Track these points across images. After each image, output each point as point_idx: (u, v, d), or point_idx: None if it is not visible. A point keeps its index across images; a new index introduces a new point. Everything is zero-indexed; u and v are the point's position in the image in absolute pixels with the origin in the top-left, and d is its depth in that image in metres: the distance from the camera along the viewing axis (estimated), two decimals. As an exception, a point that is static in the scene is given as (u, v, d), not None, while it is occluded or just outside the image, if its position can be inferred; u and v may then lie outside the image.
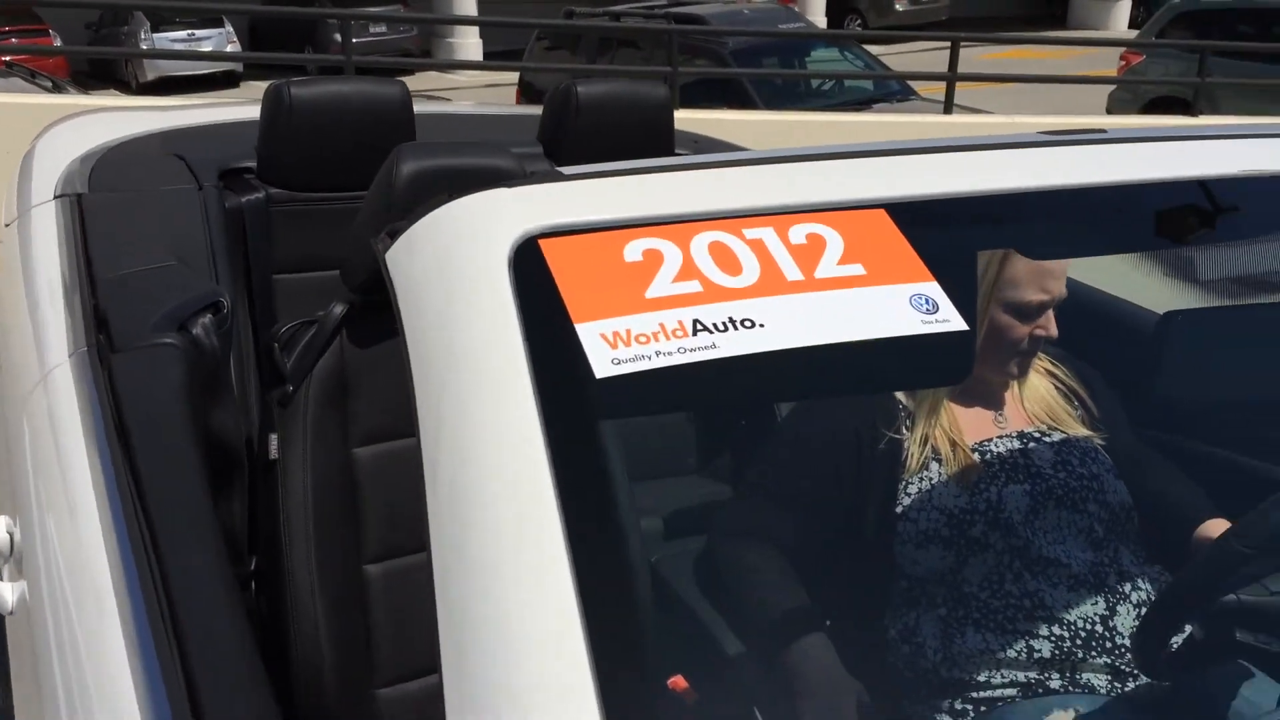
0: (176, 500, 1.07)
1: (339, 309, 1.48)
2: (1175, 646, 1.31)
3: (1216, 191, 0.94)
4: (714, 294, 0.72)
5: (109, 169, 1.98)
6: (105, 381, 1.31)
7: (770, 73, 7.93)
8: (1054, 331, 1.48)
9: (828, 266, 0.75)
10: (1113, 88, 10.35)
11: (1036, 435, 1.52)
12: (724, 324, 0.70)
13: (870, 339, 0.74)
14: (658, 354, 0.68)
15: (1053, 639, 1.40)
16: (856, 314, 0.73)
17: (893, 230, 0.79)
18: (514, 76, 9.90)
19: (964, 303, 0.76)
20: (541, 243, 0.74)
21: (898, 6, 19.15)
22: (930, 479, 1.47)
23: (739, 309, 0.71)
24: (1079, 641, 1.40)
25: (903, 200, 0.81)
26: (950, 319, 0.74)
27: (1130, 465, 1.54)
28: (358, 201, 2.05)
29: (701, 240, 0.75)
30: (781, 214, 0.78)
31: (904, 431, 1.50)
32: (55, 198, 1.87)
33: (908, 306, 0.74)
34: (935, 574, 1.45)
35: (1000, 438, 1.51)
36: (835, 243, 0.77)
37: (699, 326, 0.70)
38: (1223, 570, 1.23)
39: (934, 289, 0.76)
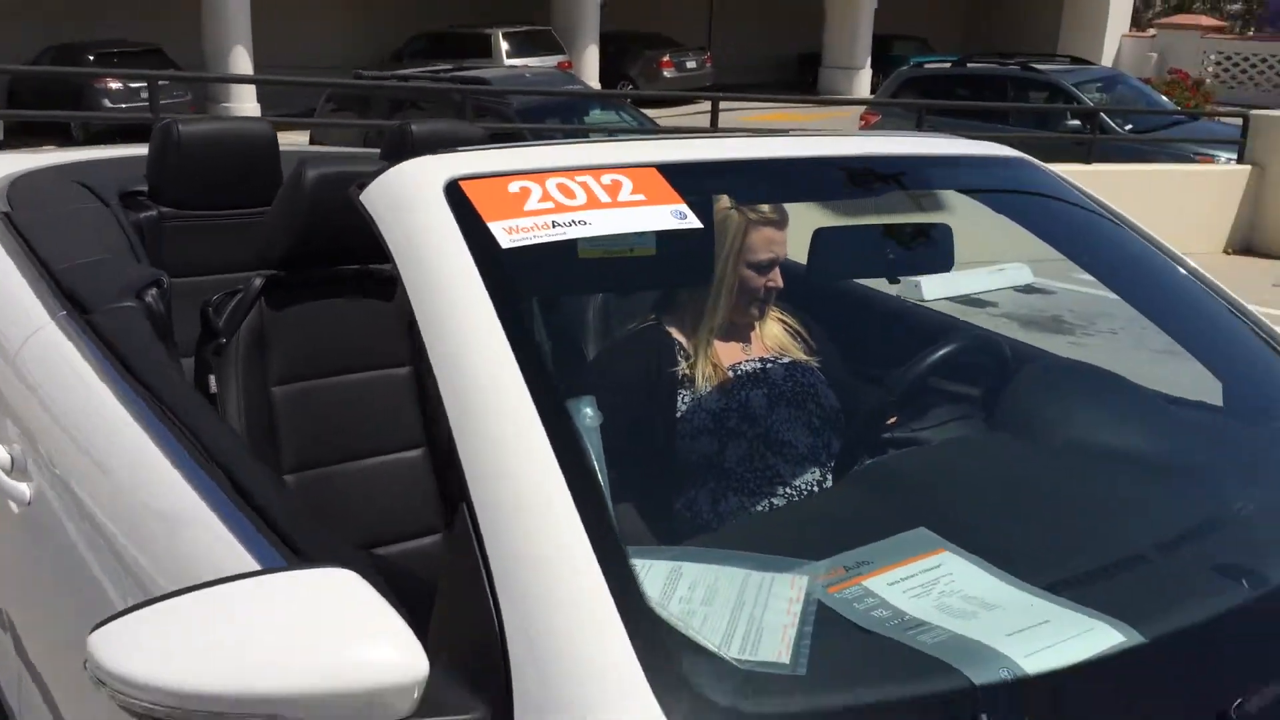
0: (195, 410, 1.53)
1: (259, 281, 1.96)
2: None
3: (851, 164, 1.60)
4: (561, 209, 1.29)
5: (23, 193, 2.36)
6: (92, 333, 1.74)
7: (553, 128, 8.62)
8: (780, 283, 2.11)
9: (624, 195, 1.33)
10: (855, 143, 11.61)
11: (772, 360, 2.14)
12: (568, 223, 1.27)
13: (652, 236, 1.33)
14: (534, 238, 1.25)
15: (785, 497, 2.01)
16: (640, 219, 1.32)
17: (659, 179, 1.38)
18: (302, 137, 10.24)
19: (700, 216, 1.36)
20: (461, 183, 1.29)
21: (665, 74, 20.49)
22: (700, 392, 2.07)
23: (575, 216, 1.28)
24: (802, 498, 2.02)
25: (665, 163, 1.42)
26: (693, 222, 1.34)
27: (839, 381, 2.19)
28: (235, 216, 2.51)
29: (552, 182, 1.32)
30: (597, 169, 1.36)
31: (682, 362, 2.09)
32: None
33: (669, 216, 1.34)
34: (706, 459, 2.04)
35: (747, 362, 2.12)
36: (628, 184, 1.35)
37: (554, 224, 1.27)
38: (880, 417, 1.88)
39: (683, 208, 1.35)
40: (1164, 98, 13.29)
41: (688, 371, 2.09)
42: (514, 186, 1.31)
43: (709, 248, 1.65)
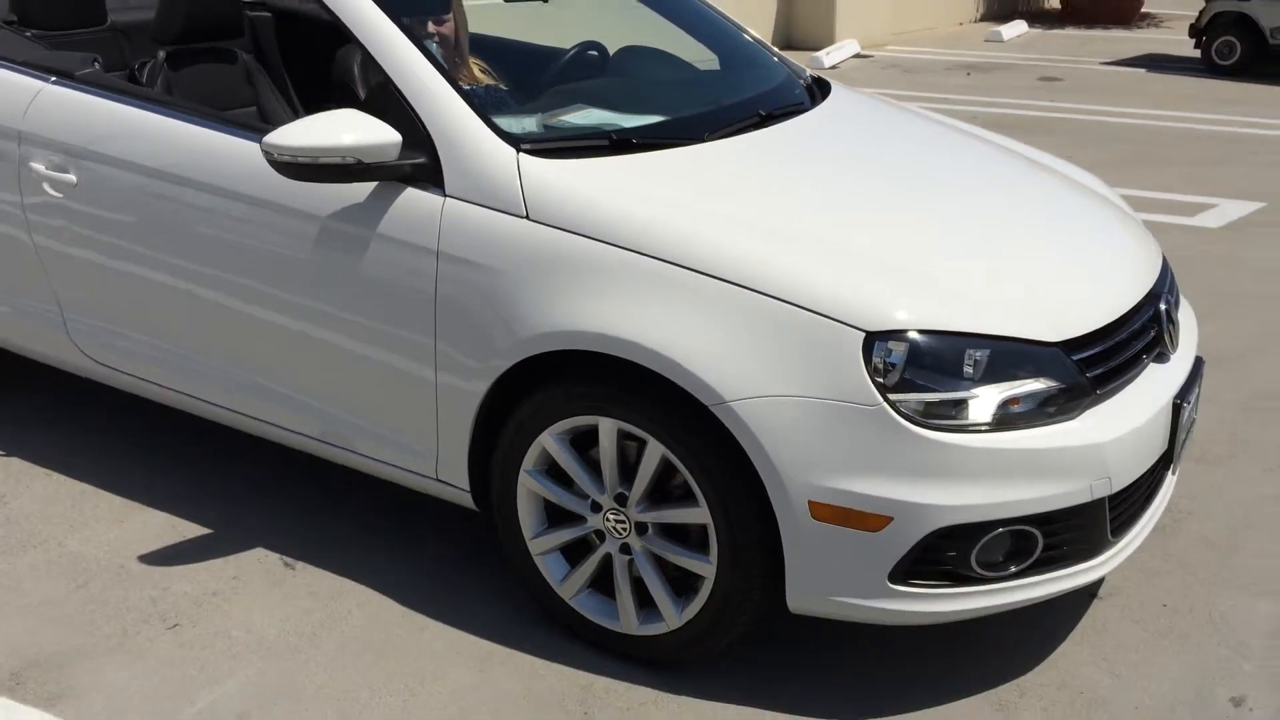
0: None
1: (162, 53, 3.15)
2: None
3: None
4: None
5: None
6: (84, 83, 2.89)
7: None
8: (448, 32, 3.54)
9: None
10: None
11: (476, 84, 3.63)
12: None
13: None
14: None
15: None
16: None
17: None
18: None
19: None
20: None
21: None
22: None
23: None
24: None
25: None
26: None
27: (514, 92, 3.71)
28: (81, 34, 3.58)
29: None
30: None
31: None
32: None
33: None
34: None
35: (467, 86, 3.60)
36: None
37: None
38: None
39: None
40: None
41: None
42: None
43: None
